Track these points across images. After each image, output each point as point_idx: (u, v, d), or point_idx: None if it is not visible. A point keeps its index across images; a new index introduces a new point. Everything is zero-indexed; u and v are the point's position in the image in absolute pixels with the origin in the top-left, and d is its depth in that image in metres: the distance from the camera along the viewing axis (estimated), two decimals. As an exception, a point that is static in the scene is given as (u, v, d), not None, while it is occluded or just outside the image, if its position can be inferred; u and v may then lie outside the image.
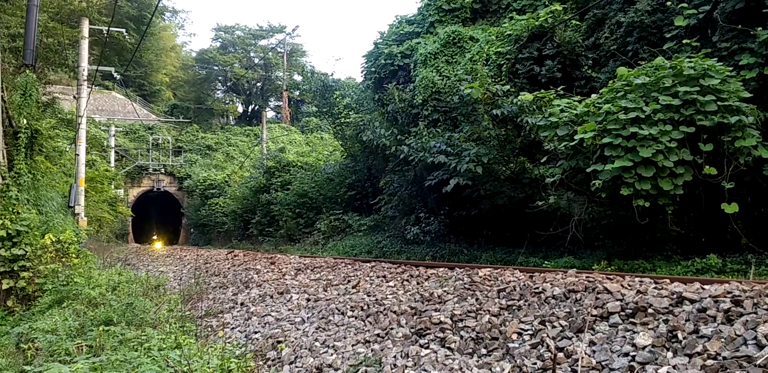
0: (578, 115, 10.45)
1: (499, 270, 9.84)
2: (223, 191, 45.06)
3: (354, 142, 25.16)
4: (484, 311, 7.33)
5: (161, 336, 7.72)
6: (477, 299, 7.98)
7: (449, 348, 6.76)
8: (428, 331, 7.33)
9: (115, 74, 33.91)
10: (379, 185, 21.48)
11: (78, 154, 24.27)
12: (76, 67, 25.44)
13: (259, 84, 75.73)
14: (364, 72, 22.17)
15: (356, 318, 8.92)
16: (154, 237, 63.80)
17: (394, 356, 6.92)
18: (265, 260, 18.64)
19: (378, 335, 7.87)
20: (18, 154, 13.35)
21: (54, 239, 13.21)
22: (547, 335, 6.10)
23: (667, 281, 7.09)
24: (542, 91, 12.68)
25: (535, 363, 5.71)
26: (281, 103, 72.83)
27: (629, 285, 6.95)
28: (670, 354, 5.09)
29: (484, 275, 9.37)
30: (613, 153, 9.34)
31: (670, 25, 11.65)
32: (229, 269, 18.43)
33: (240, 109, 77.63)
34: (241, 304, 12.17)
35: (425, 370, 6.34)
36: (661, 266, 10.12)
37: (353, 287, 11.14)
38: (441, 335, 7.11)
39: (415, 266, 12.26)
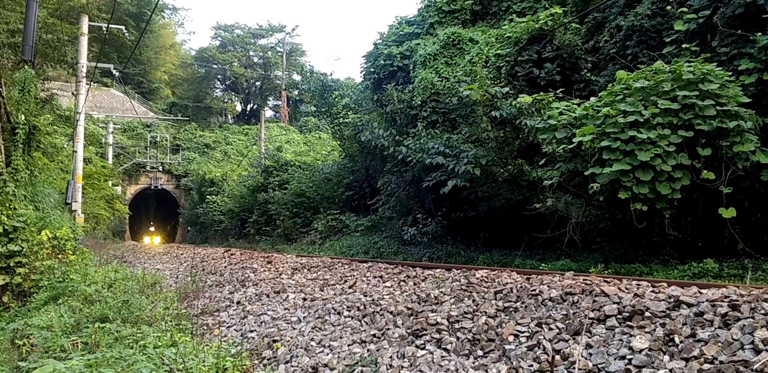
0: (577, 118, 10.46)
1: (496, 272, 9.84)
2: (221, 190, 45.03)
3: (352, 142, 25.15)
4: (481, 312, 7.33)
5: (157, 334, 7.71)
6: (474, 301, 7.99)
7: (445, 349, 6.76)
8: (425, 332, 7.33)
9: (114, 71, 33.91)
10: (376, 186, 21.46)
11: (76, 151, 24.26)
12: (75, 63, 25.43)
13: (258, 83, 75.72)
14: (364, 72, 22.17)
15: (352, 318, 8.91)
16: (152, 229, 63.84)
17: (390, 357, 6.91)
18: (262, 259, 18.62)
19: (374, 335, 7.87)
20: (15, 150, 13.31)
21: (50, 236, 13.20)
22: (544, 338, 6.10)
23: (665, 284, 7.09)
24: (541, 93, 12.70)
25: (532, 365, 5.71)
26: (280, 102, 72.88)
27: (626, 288, 6.95)
28: (666, 358, 5.10)
29: (481, 276, 9.37)
30: (611, 156, 9.35)
31: (669, 29, 11.66)
32: (225, 267, 18.41)
33: (238, 108, 77.67)
34: (238, 303, 12.16)
35: (421, 371, 6.34)
36: (658, 269, 10.13)
37: (350, 287, 11.14)
38: (437, 336, 7.11)
39: (412, 267, 12.26)
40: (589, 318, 6.15)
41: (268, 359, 8.11)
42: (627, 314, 5.98)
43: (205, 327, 10.31)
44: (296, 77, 68.59)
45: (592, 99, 10.71)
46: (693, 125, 9.21)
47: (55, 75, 28.59)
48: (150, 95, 69.37)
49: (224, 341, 8.54)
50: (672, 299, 6.01)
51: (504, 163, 14.34)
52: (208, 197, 44.76)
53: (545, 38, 14.61)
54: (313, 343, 8.20)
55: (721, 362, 4.73)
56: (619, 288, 6.94)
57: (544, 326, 6.38)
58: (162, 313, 10.11)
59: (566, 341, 5.96)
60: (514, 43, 15.24)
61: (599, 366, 5.33)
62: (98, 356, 5.83)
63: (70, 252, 13.45)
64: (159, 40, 68.28)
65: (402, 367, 6.54)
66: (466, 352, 6.56)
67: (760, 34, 9.86)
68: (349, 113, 27.01)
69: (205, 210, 44.13)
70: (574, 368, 5.38)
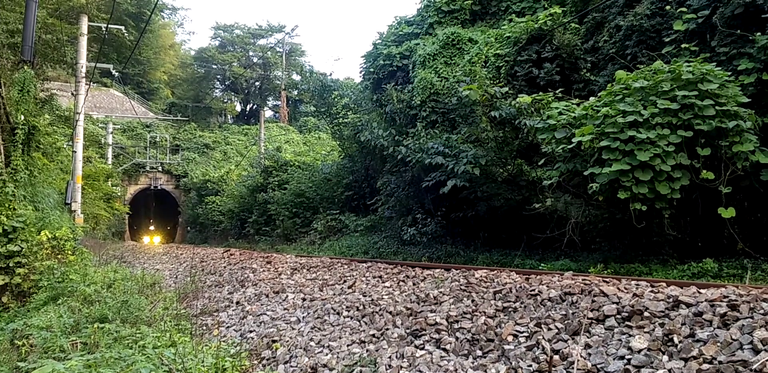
0: (576, 118, 10.45)
1: (496, 272, 9.84)
2: (221, 190, 45.05)
3: (352, 142, 25.15)
4: (480, 312, 7.33)
5: (156, 334, 7.70)
6: (473, 301, 7.98)
7: (444, 349, 6.76)
8: (424, 332, 7.33)
9: (114, 71, 33.86)
10: (376, 186, 21.47)
11: (75, 151, 24.25)
12: (74, 63, 25.44)
13: (257, 83, 75.74)
14: (363, 72, 22.17)
15: (352, 318, 8.92)
16: (151, 228, 63.83)
17: (390, 357, 6.91)
18: (262, 259, 18.62)
19: (373, 335, 7.87)
20: (15, 151, 13.31)
21: (50, 236, 13.19)
22: (543, 338, 6.10)
23: (664, 284, 7.09)
24: (540, 93, 12.69)
25: (531, 365, 5.71)
26: (279, 102, 72.89)
27: (625, 288, 6.95)
28: (665, 358, 5.10)
29: (481, 276, 9.37)
30: (610, 156, 9.35)
31: (669, 29, 11.66)
32: (225, 267, 18.41)
33: (238, 108, 77.74)
34: (237, 303, 12.16)
35: (420, 371, 6.34)
36: (657, 269, 10.13)
37: (349, 287, 11.13)
38: (436, 336, 7.11)
39: (412, 267, 12.26)
40: (588, 318, 6.15)
41: (267, 360, 8.11)
42: (626, 314, 5.98)
43: (204, 327, 10.31)
44: (296, 77, 68.52)
45: (592, 99, 10.70)
46: (692, 125, 9.21)
47: (54, 75, 28.60)
48: (149, 95, 69.39)
49: (223, 342, 8.53)
50: (671, 299, 6.01)
51: (503, 163, 14.34)
52: (207, 197, 44.74)
53: (544, 38, 14.60)
54: (312, 343, 8.20)
55: (720, 362, 4.73)
56: (618, 288, 6.94)
57: (543, 326, 6.38)
58: (161, 313, 10.11)
59: (565, 341, 5.96)
60: (514, 43, 15.23)
61: (598, 366, 5.32)
62: (97, 357, 5.83)
63: (69, 252, 13.44)
64: (158, 40, 68.32)
65: (401, 367, 6.54)
66: (466, 352, 6.56)
67: (759, 33, 9.85)
68: (348, 113, 27.00)
69: (204, 210, 44.16)
70: (573, 368, 5.38)
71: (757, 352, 4.68)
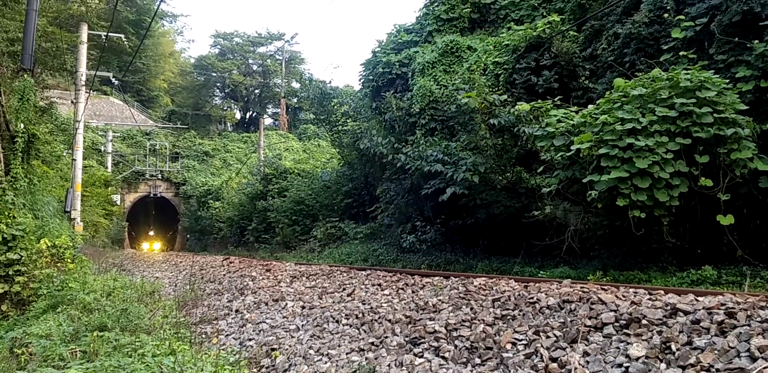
0: (575, 126, 10.48)
1: (494, 279, 9.85)
2: (220, 197, 45.04)
3: (351, 150, 25.17)
4: (479, 320, 7.34)
5: (155, 342, 7.69)
6: (472, 309, 7.99)
7: (443, 357, 6.76)
8: (423, 340, 7.33)
9: (113, 79, 33.92)
10: (375, 193, 21.47)
11: (75, 159, 24.29)
12: (74, 71, 25.52)
13: (257, 91, 75.92)
14: (362, 80, 22.22)
15: (351, 326, 8.92)
16: (151, 233, 63.80)
17: (389, 365, 6.91)
18: (261, 267, 18.61)
19: (372, 343, 7.87)
20: (15, 159, 13.33)
21: (49, 244, 13.18)
22: (541, 345, 6.10)
23: (662, 292, 7.10)
24: (539, 101, 12.72)
25: (529, 373, 5.72)
26: (279, 110, 73.00)
27: (623, 296, 6.96)
28: (663, 365, 5.10)
29: (479, 284, 9.37)
30: (609, 164, 9.37)
31: (667, 37, 11.71)
32: (224, 275, 18.40)
33: (238, 115, 77.89)
34: (236, 311, 12.15)
35: (419, 379, 6.34)
36: (656, 277, 10.12)
37: (348, 295, 11.13)
38: (435, 344, 7.11)
39: (411, 275, 12.26)
40: (587, 326, 6.15)
41: (266, 368, 8.11)
42: (624, 322, 5.98)
43: (203, 336, 10.30)
44: (295, 85, 68.67)
45: (590, 106, 10.74)
46: (690, 132, 9.24)
47: (54, 83, 28.63)
48: (149, 103, 69.52)
49: (223, 350, 8.53)
50: (669, 307, 6.02)
51: (502, 171, 14.35)
52: (210, 201, 44.68)
53: (543, 46, 14.66)
54: (311, 351, 8.20)
55: (717, 370, 4.74)
56: (616, 296, 6.95)
57: (541, 334, 6.39)
58: (161, 321, 10.09)
59: (563, 348, 5.96)
60: (512, 51, 15.29)
61: (597, 374, 5.33)
62: (97, 365, 5.83)
63: (69, 260, 13.42)
64: (158, 48, 68.55)
65: (400, 375, 6.54)
66: (464, 360, 6.56)
67: (757, 41, 9.90)
68: (348, 121, 27.05)
69: (205, 216, 44.12)
70: (571, 376, 5.38)
71: (754, 360, 4.69)
